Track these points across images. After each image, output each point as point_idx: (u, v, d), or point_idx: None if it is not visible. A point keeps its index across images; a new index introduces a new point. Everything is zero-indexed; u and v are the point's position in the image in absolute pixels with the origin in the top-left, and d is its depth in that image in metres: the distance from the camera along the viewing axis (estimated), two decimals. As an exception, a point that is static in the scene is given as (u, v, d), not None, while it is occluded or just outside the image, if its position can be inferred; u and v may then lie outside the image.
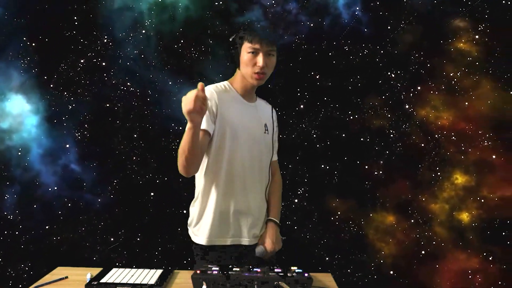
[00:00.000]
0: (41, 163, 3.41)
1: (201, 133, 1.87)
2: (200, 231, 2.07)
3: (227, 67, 3.36)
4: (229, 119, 1.99)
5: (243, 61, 1.98)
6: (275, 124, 2.24)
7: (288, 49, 3.36)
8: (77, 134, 3.44)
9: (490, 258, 3.34)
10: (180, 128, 3.43)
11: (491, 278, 3.34)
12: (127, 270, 1.98)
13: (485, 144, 3.33)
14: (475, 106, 3.34)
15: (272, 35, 1.95)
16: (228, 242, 2.06)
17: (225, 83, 2.12)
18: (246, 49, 1.96)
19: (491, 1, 3.26)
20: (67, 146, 3.43)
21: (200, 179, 2.08)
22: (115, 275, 1.91)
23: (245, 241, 2.07)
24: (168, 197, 3.44)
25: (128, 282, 1.83)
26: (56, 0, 3.31)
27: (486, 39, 3.29)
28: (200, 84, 1.65)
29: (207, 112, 1.86)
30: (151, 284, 1.82)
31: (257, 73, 1.95)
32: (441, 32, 3.34)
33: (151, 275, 1.92)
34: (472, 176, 3.37)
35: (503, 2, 3.23)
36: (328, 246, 3.47)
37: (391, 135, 3.43)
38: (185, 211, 3.39)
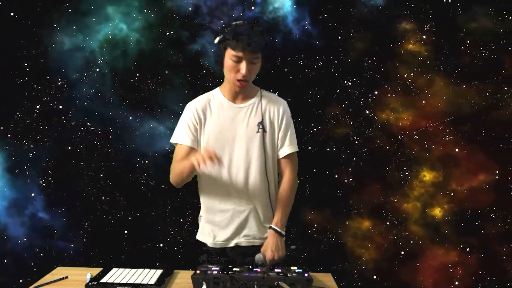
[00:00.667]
0: (7, 215, 3.31)
1: (188, 149, 2.04)
2: (201, 232, 2.19)
3: (186, 95, 3.39)
4: (212, 127, 2.05)
5: (226, 66, 1.96)
6: (280, 120, 2.11)
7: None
8: (41, 182, 3.36)
9: (468, 249, 3.40)
10: (146, 161, 3.41)
11: (471, 269, 3.39)
12: (127, 270, 1.99)
13: (447, 139, 3.41)
14: (432, 104, 3.43)
15: (255, 45, 1.88)
16: (218, 245, 2.11)
17: (215, 90, 2.15)
18: (229, 55, 1.92)
19: (433, 0, 3.38)
20: (33, 194, 3.35)
21: (199, 185, 2.18)
22: (115, 275, 1.92)
23: (234, 243, 2.10)
24: (142, 232, 3.39)
25: (128, 282, 1.84)
26: (5, 48, 3.25)
27: (433, 38, 3.39)
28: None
29: (187, 127, 2.04)
30: (151, 284, 1.83)
31: (239, 80, 1.94)
32: (390, 36, 3.43)
33: (151, 275, 1.93)
34: (439, 171, 3.45)
35: (444, 0, 3.34)
36: (310, 259, 3.46)
37: (356, 142, 3.48)
38: (161, 245, 3.37)
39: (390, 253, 3.48)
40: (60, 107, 3.36)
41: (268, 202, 2.11)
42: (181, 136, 2.06)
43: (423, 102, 3.43)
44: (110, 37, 3.36)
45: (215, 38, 1.98)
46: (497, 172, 3.37)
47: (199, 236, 2.19)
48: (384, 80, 3.46)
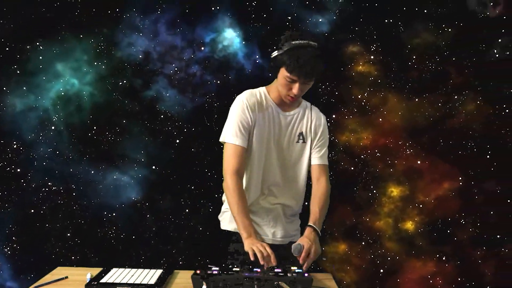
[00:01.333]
0: (-27, 290, 3.17)
1: (239, 149, 1.98)
2: (229, 222, 2.10)
3: (146, 142, 3.37)
4: (260, 129, 2.03)
5: (279, 81, 1.94)
6: (321, 132, 2.15)
7: (201, 111, 3.41)
8: (6, 250, 3.25)
9: (444, 258, 3.45)
10: (114, 214, 3.34)
11: (450, 277, 3.43)
12: (127, 270, 1.97)
13: (408, 152, 3.49)
14: (389, 120, 3.51)
15: (311, 74, 1.85)
16: None
17: (262, 90, 2.09)
18: (283, 74, 1.88)
19: (375, 21, 3.49)
20: (-2, 264, 3.23)
21: None
22: (115, 275, 1.89)
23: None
24: None
25: (128, 282, 1.81)
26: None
27: (381, 57, 3.50)
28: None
29: (240, 126, 1.97)
30: (151, 284, 1.81)
31: (290, 96, 1.93)
32: (340, 60, 3.51)
33: (151, 275, 1.91)
34: (405, 185, 3.51)
35: (386, 21, 3.47)
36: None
37: (321, 167, 3.51)
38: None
39: (370, 273, 3.49)
40: (18, 170, 3.28)
41: (294, 208, 2.16)
42: (232, 134, 1.99)
43: (380, 119, 3.51)
44: (63, 93, 3.33)
45: (272, 52, 1.93)
46: (460, 178, 3.45)
47: (227, 226, 2.12)
48: (340, 103, 3.53)
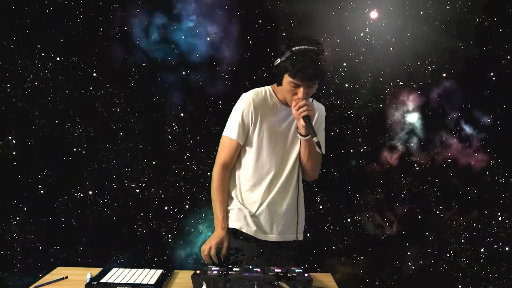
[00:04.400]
0: None
1: (233, 143, 2.08)
2: (236, 220, 2.12)
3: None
4: (262, 124, 2.08)
5: (284, 87, 1.98)
6: (320, 124, 2.22)
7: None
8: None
9: None
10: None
11: None
12: (127, 270, 1.96)
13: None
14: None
15: (314, 76, 1.89)
16: (253, 233, 2.09)
17: (268, 88, 2.15)
18: (287, 80, 1.93)
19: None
20: None
21: (237, 179, 2.17)
22: (115, 275, 1.89)
23: (268, 236, 2.11)
24: None
25: (128, 282, 1.81)
26: None
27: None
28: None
29: (240, 122, 2.06)
30: (151, 284, 1.80)
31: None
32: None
33: (151, 275, 1.91)
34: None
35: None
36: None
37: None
38: None
39: None
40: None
41: (295, 202, 2.17)
42: (230, 128, 2.09)
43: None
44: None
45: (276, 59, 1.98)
46: None
47: (233, 224, 2.12)
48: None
